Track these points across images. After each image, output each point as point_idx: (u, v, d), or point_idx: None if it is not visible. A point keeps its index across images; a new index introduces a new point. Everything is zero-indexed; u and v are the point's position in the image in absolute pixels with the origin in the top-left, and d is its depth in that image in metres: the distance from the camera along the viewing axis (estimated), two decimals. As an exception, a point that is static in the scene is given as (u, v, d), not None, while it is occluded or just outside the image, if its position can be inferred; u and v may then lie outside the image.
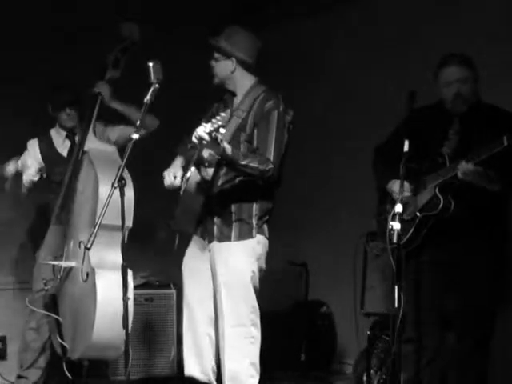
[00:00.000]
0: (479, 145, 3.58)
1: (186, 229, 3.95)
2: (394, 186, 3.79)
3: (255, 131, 3.82)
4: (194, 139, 3.49)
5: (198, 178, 3.85)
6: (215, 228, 3.87)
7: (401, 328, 3.45)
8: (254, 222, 3.88)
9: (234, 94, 3.97)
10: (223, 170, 3.84)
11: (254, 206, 3.88)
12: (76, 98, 4.73)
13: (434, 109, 3.96)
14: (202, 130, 3.45)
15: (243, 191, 3.86)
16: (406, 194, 3.78)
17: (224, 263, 3.82)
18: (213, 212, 3.87)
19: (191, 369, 3.91)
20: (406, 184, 3.79)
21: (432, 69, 3.95)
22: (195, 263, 3.95)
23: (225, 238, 3.86)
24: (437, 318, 3.91)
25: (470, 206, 3.71)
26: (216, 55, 3.92)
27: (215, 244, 3.87)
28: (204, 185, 3.83)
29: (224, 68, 3.93)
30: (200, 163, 3.79)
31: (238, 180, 3.86)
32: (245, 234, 3.86)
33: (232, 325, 3.78)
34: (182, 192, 3.87)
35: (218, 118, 3.48)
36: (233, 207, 3.85)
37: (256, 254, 3.87)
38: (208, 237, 3.90)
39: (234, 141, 3.78)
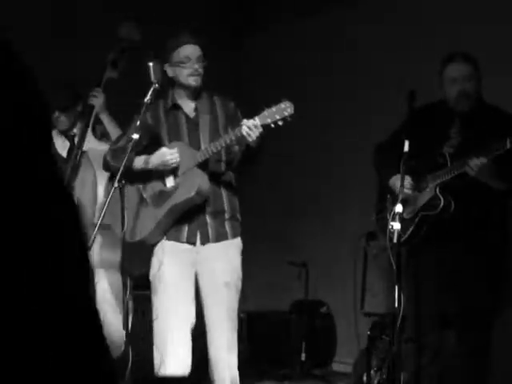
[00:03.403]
0: (481, 145, 3.58)
1: (159, 239, 3.83)
2: (398, 181, 3.79)
3: (229, 129, 3.73)
4: (248, 131, 3.46)
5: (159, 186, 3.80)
6: (210, 229, 3.78)
7: (401, 328, 3.45)
8: (240, 217, 3.89)
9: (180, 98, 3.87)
10: (209, 169, 3.77)
11: (237, 202, 3.88)
12: (69, 104, 4.64)
13: (436, 108, 3.96)
14: (264, 121, 3.47)
15: (230, 188, 3.84)
16: (407, 190, 3.78)
17: (223, 262, 3.77)
18: (203, 213, 3.77)
19: (174, 369, 3.83)
20: (409, 179, 3.79)
21: (432, 68, 3.95)
22: (180, 274, 3.80)
23: (221, 236, 3.79)
24: (437, 318, 3.91)
25: (470, 207, 3.71)
26: (202, 56, 3.80)
27: (210, 245, 3.79)
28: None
29: None
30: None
31: (222, 178, 3.82)
32: (237, 231, 3.85)
33: (229, 321, 3.76)
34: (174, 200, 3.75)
35: (266, 113, 3.49)
36: (225, 205, 3.81)
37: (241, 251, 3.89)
38: (201, 239, 3.78)
39: (214, 139, 3.71)
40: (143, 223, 3.75)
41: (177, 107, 3.82)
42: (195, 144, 3.79)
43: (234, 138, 3.57)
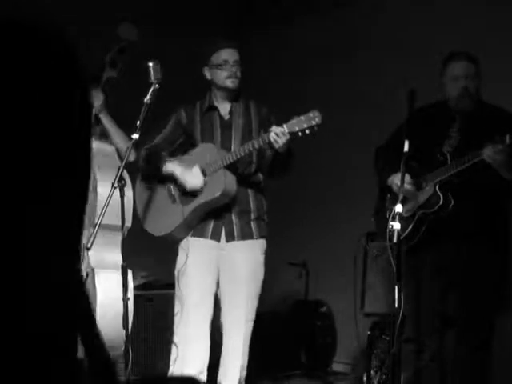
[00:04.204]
0: (481, 143, 3.58)
1: (183, 235, 3.97)
2: (396, 178, 3.78)
3: (260, 133, 3.88)
4: (275, 138, 3.56)
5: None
6: (235, 228, 3.88)
7: (401, 328, 3.45)
8: (266, 218, 3.98)
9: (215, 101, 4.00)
10: (239, 170, 3.89)
11: (264, 203, 3.98)
12: None
13: (436, 107, 3.97)
14: (292, 129, 3.57)
15: (257, 189, 3.95)
16: (407, 186, 3.78)
17: (246, 261, 3.87)
18: (229, 212, 3.88)
19: (191, 369, 3.92)
20: (407, 176, 3.79)
21: (432, 68, 3.95)
22: (204, 272, 3.92)
23: (246, 235, 3.89)
24: (437, 318, 3.91)
25: (470, 206, 3.71)
26: (239, 60, 3.93)
27: (235, 243, 3.89)
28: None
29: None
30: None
31: (251, 179, 3.93)
32: (262, 231, 3.95)
33: (246, 320, 3.88)
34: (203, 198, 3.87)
35: (295, 121, 3.59)
36: (251, 206, 3.92)
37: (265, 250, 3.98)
38: (226, 237, 3.89)
39: (245, 141, 3.83)
40: (169, 219, 3.91)
41: (213, 108, 3.97)
42: (226, 145, 3.92)
43: (261, 143, 3.69)
